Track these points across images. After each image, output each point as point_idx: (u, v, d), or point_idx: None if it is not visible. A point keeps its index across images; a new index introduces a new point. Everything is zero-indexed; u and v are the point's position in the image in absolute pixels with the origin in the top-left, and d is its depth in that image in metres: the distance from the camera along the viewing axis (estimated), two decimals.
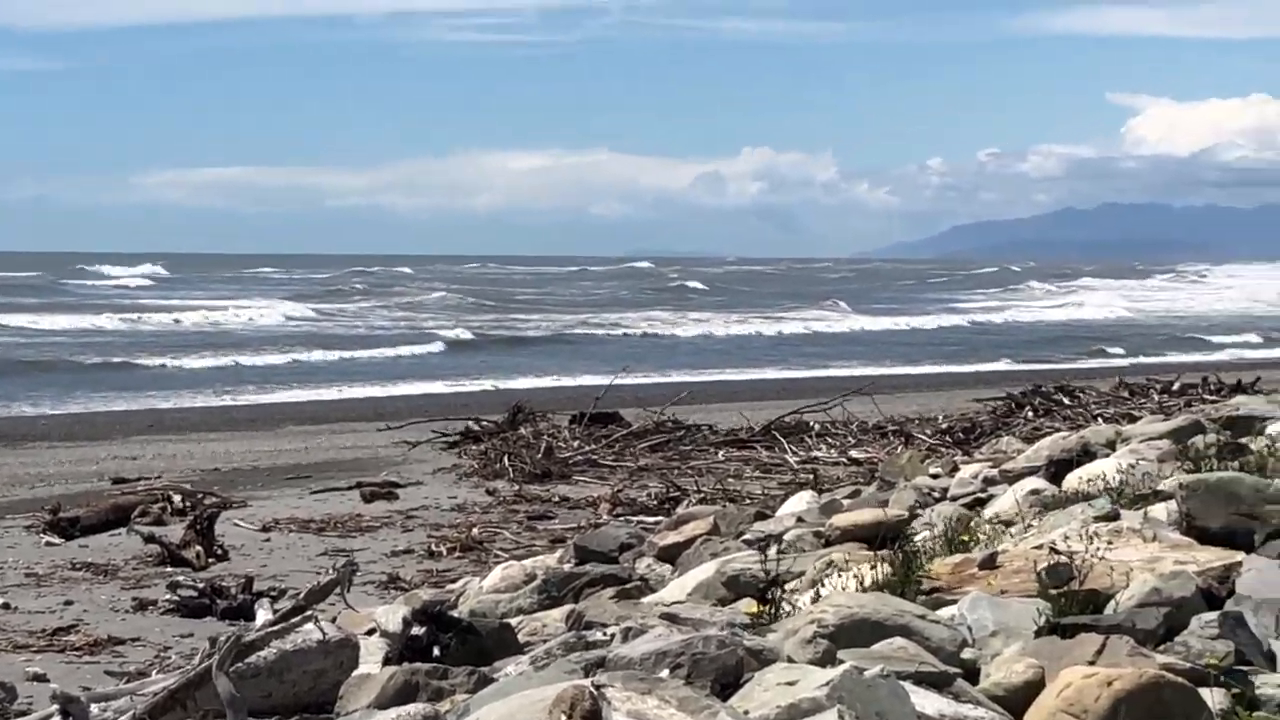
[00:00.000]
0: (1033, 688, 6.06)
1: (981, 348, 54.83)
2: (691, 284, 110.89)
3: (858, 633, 6.68)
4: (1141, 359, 48.62)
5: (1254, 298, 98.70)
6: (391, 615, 9.37)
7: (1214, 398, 26.24)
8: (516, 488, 20.53)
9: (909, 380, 40.35)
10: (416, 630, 8.29)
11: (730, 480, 20.84)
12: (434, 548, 16.33)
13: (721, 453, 23.62)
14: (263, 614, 9.02)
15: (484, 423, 25.59)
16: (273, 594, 13.49)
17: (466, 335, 56.38)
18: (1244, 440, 12.23)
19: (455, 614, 9.11)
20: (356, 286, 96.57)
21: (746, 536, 13.60)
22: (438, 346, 51.25)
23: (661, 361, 46.55)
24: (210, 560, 15.70)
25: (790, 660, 6.48)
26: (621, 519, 17.56)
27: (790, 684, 5.86)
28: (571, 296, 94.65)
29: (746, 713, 5.74)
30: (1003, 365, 46.50)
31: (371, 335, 57.08)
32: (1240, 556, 7.66)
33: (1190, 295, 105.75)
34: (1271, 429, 13.72)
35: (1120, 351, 52.08)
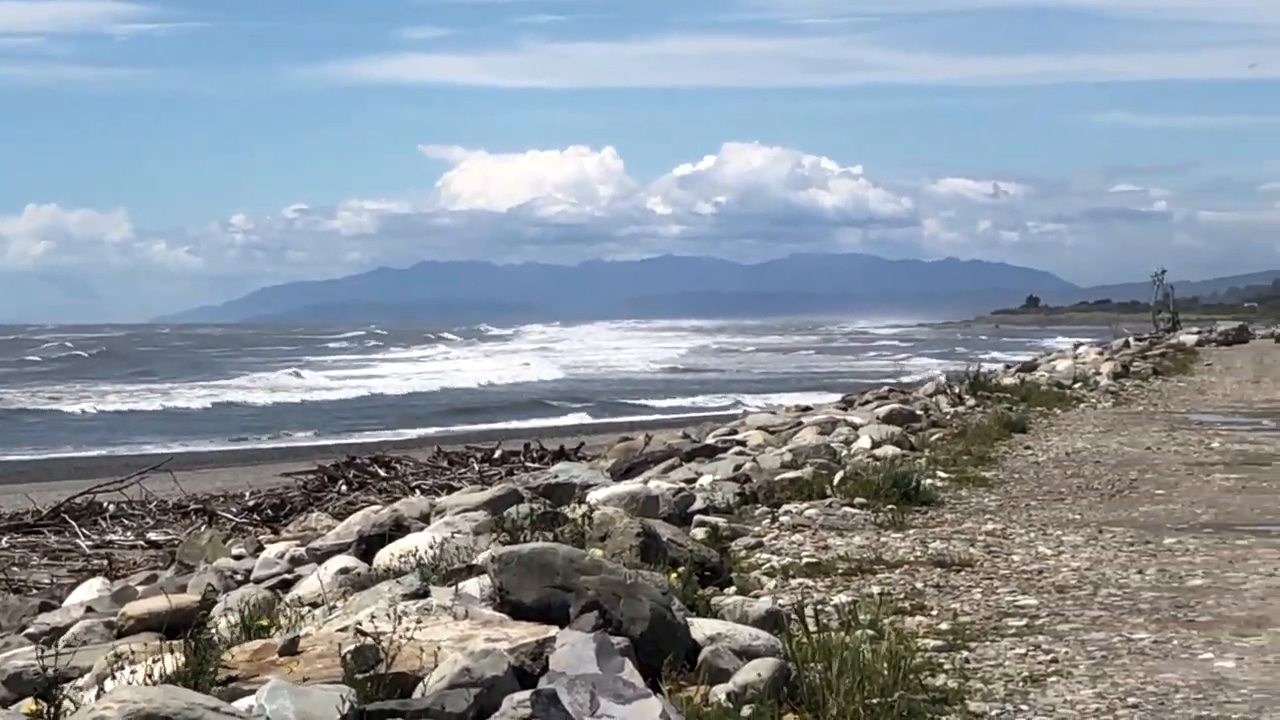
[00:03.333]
0: None
1: (281, 417, 54.78)
2: None
3: None
4: (458, 428, 49.61)
5: (581, 362, 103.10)
6: None
7: (536, 465, 27.24)
8: None
9: (214, 456, 39.90)
10: None
11: (14, 569, 20.02)
12: None
13: (4, 539, 22.65)
14: None
15: None
16: None
17: None
18: (563, 509, 12.71)
19: None
20: None
21: (30, 630, 13.13)
22: None
23: None
24: None
25: None
26: None
27: None
28: None
29: None
30: (306, 439, 46.32)
31: None
32: (554, 631, 7.91)
33: (510, 360, 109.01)
34: (592, 496, 14.36)
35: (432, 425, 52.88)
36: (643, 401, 62.52)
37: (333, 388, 74.07)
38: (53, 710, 7.80)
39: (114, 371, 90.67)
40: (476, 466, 28.64)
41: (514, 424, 50.59)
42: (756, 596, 10.53)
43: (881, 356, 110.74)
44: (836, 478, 16.85)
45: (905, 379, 46.88)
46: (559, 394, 68.06)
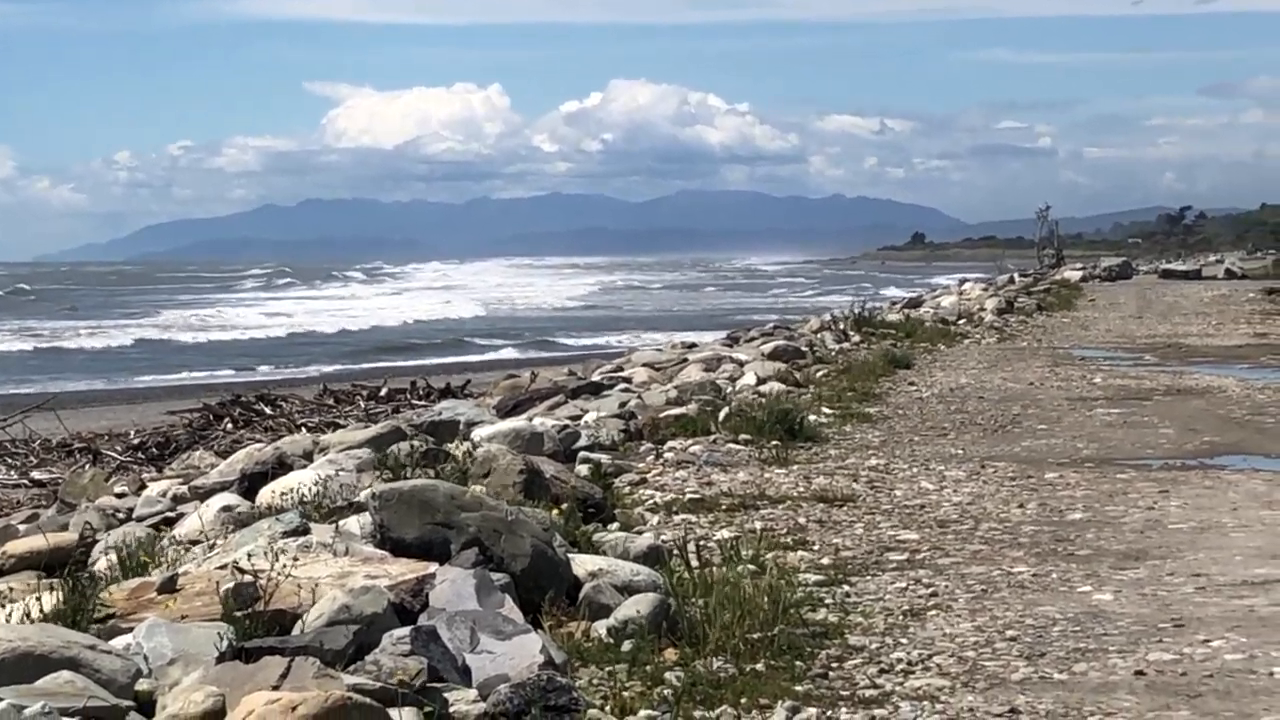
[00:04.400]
0: (213, 717, 6.02)
1: (170, 356, 54.19)
2: None
3: (21, 668, 6.44)
4: (357, 365, 49.34)
5: (499, 298, 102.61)
6: None
7: (422, 403, 27.12)
8: None
9: (100, 394, 39.46)
10: None
11: None
12: None
13: None
14: None
15: None
16: None
17: None
18: (447, 446, 12.69)
19: None
20: None
21: None
22: None
23: None
24: None
25: None
26: None
27: None
28: None
29: None
30: (201, 375, 45.94)
31: None
32: (434, 568, 7.89)
33: (429, 297, 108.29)
34: (477, 433, 14.34)
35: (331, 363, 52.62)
36: (566, 339, 62.25)
37: (266, 325, 73.25)
38: None
39: (36, 309, 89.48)
40: (363, 404, 28.48)
41: (450, 359, 51.00)
42: (639, 533, 10.57)
43: (793, 292, 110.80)
44: (721, 414, 16.92)
45: (791, 316, 46.91)
46: (484, 330, 67.90)
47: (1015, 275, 63.30)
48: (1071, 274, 66.72)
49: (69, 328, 70.78)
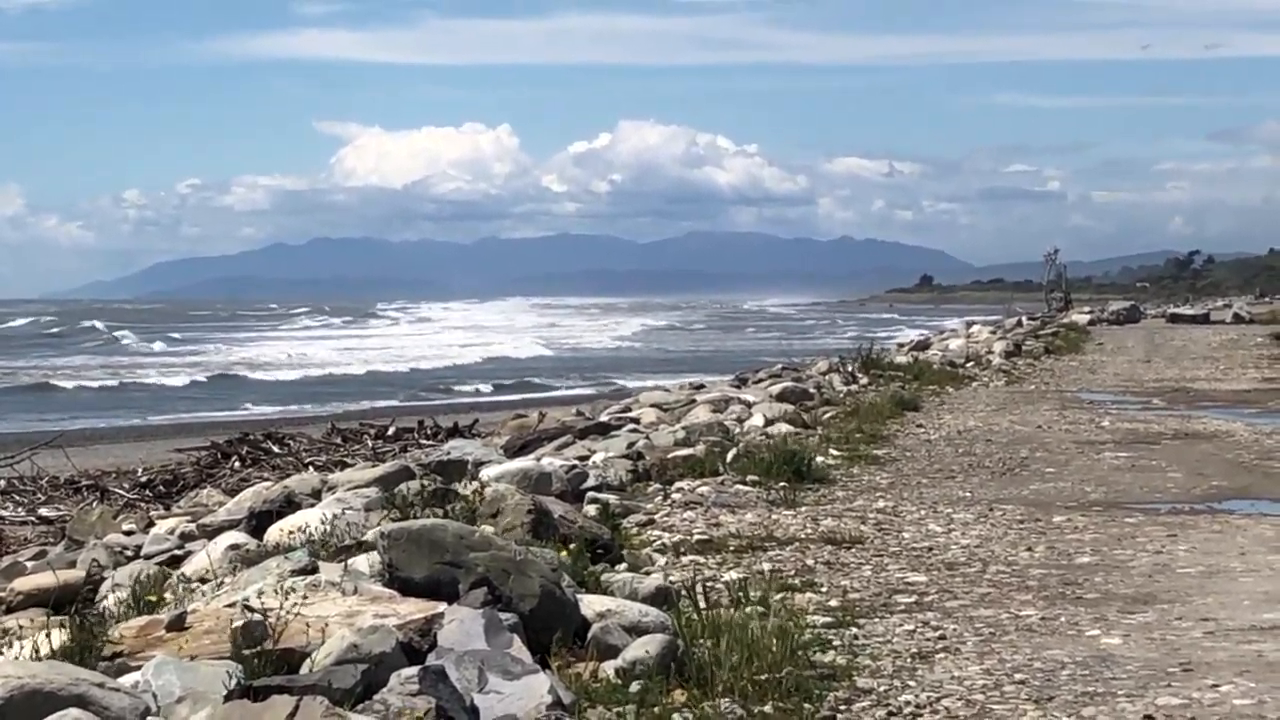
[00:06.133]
0: None
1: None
2: None
3: (30, 706, 6.43)
4: (365, 404, 49.43)
5: (481, 340, 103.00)
6: None
7: (430, 442, 27.16)
8: None
9: (108, 432, 39.52)
10: None
11: None
12: None
13: None
14: None
15: None
16: None
17: None
18: (455, 486, 12.70)
19: None
20: None
21: None
22: None
23: None
24: None
25: None
26: None
27: None
28: None
29: None
30: (231, 413, 46.04)
31: None
32: (442, 607, 7.89)
33: (417, 337, 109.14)
34: (485, 473, 14.35)
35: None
36: (629, 382, 62.16)
37: (341, 363, 74.44)
38: None
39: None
40: (370, 443, 28.53)
41: (558, 393, 53.30)
42: (647, 573, 10.55)
43: (826, 333, 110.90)
44: (729, 455, 16.91)
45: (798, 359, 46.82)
46: (555, 369, 69.60)
47: (1023, 318, 63.27)
48: (1079, 317, 66.68)
49: (160, 362, 72.43)
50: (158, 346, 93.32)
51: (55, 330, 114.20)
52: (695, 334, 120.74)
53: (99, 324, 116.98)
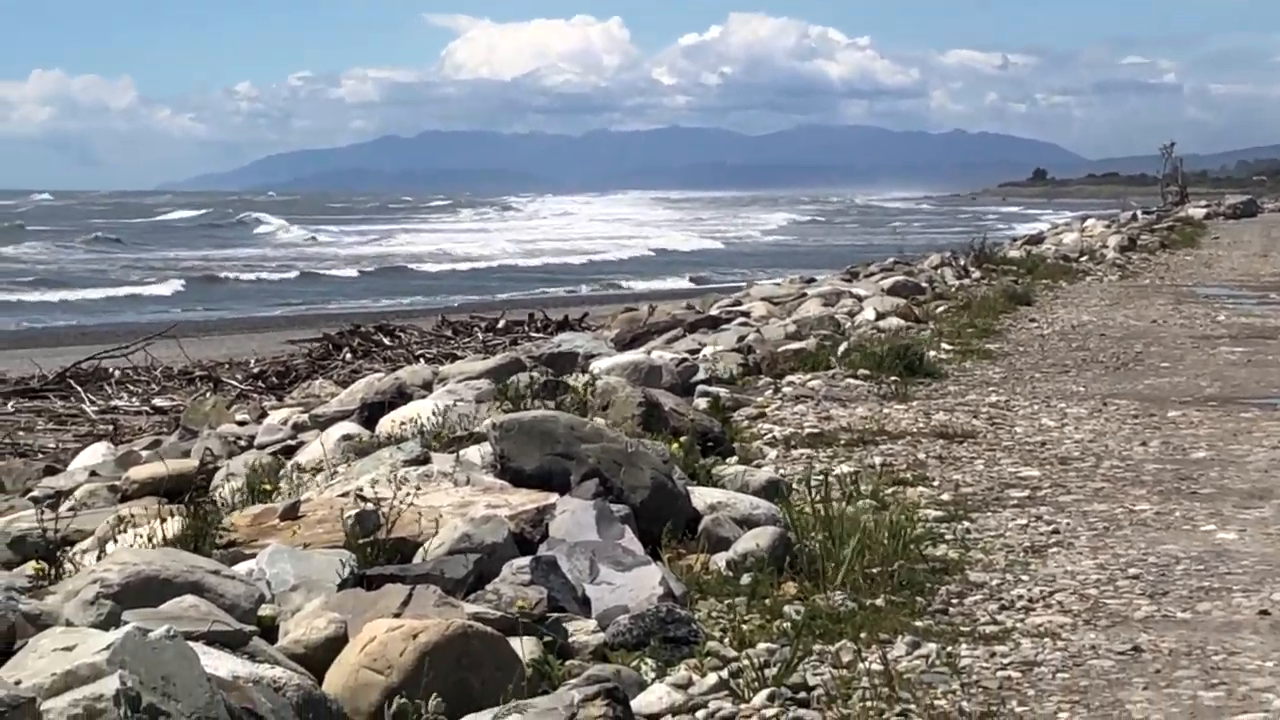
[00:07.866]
0: (336, 643, 6.05)
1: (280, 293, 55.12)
2: None
3: (146, 592, 6.49)
4: (470, 298, 49.59)
5: (640, 234, 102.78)
6: None
7: (540, 335, 27.21)
8: None
9: (220, 323, 39.92)
10: None
11: (20, 433, 20.04)
12: None
13: (10, 403, 22.68)
14: None
15: None
16: None
17: None
18: (566, 378, 12.70)
19: None
20: None
21: (34, 493, 13.18)
22: None
23: None
24: None
25: (69, 624, 6.24)
26: None
27: (68, 649, 5.63)
28: None
29: (18, 682, 5.49)
30: (332, 308, 46.35)
31: None
32: (554, 498, 7.91)
33: (569, 229, 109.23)
34: (595, 365, 14.34)
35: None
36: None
37: (509, 253, 75.36)
38: (55, 572, 7.82)
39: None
40: (480, 336, 28.62)
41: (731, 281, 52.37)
42: (758, 466, 10.53)
43: (913, 228, 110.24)
44: (840, 349, 16.83)
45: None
46: (727, 260, 70.93)
47: (1138, 212, 62.42)
48: (1195, 211, 65.71)
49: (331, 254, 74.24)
50: (323, 237, 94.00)
51: (217, 222, 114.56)
52: (837, 227, 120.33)
53: (263, 215, 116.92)
